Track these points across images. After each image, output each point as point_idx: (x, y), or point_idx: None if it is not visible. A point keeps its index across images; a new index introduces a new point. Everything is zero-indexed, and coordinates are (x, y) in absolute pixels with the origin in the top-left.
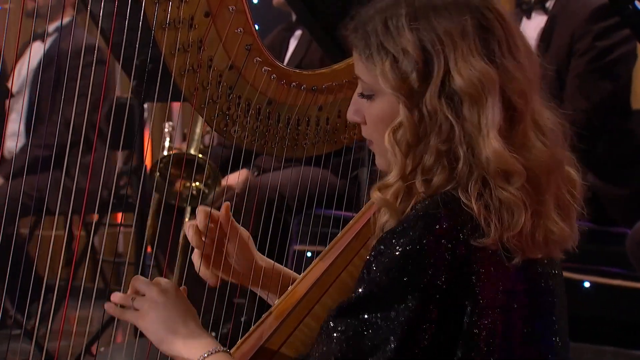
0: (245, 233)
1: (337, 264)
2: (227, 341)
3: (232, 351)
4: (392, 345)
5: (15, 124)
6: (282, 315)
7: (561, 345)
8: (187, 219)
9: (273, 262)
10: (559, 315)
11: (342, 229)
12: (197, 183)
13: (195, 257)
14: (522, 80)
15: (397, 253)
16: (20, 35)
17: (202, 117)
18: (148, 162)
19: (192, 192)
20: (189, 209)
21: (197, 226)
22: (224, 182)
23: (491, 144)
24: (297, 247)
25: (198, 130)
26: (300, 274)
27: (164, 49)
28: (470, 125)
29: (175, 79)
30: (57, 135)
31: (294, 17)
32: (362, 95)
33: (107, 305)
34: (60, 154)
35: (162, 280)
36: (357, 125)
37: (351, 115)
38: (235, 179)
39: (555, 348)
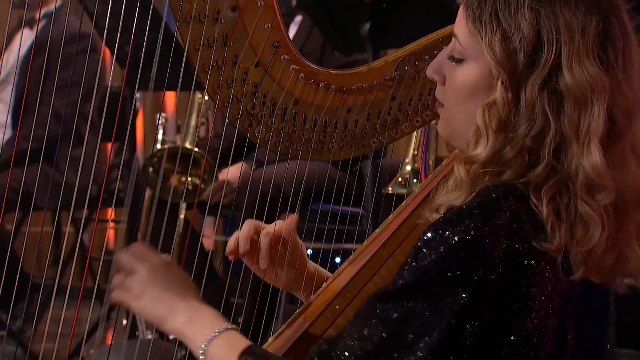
0: (299, 243)
1: (379, 256)
2: None
3: (264, 346)
4: (435, 339)
5: (2, 115)
6: (320, 308)
7: (610, 353)
8: (182, 216)
9: (316, 265)
10: (610, 320)
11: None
12: (193, 178)
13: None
14: (631, 98)
15: (450, 242)
16: (8, 23)
17: (226, 116)
18: (140, 154)
19: (187, 188)
20: (184, 205)
21: (248, 238)
22: (221, 176)
23: (591, 154)
24: None
25: (193, 122)
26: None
27: (187, 43)
28: (568, 128)
29: (199, 74)
30: (46, 127)
31: (293, 2)
32: (452, 57)
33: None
34: (49, 146)
35: (150, 254)
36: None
37: (431, 72)
38: (233, 173)
39: (607, 356)
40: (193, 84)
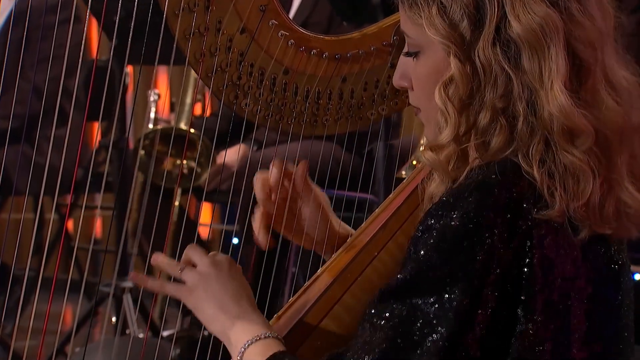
0: (321, 195)
1: (376, 241)
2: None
3: (271, 322)
4: (444, 334)
5: None
6: (314, 297)
7: (626, 346)
8: (176, 203)
9: (349, 227)
10: (626, 311)
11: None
12: (189, 161)
13: (257, 215)
14: (591, 30)
15: (449, 228)
16: None
17: (209, 88)
18: (130, 135)
19: (182, 172)
20: (178, 190)
21: (266, 179)
22: (219, 159)
23: (555, 97)
24: None
25: (189, 99)
26: (306, 266)
27: (166, 8)
28: (531, 78)
29: (179, 42)
30: (27, 105)
31: None
32: (407, 54)
33: (132, 275)
34: (29, 125)
35: (217, 255)
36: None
37: (397, 80)
38: (232, 155)
39: (623, 348)
40: (187, 57)
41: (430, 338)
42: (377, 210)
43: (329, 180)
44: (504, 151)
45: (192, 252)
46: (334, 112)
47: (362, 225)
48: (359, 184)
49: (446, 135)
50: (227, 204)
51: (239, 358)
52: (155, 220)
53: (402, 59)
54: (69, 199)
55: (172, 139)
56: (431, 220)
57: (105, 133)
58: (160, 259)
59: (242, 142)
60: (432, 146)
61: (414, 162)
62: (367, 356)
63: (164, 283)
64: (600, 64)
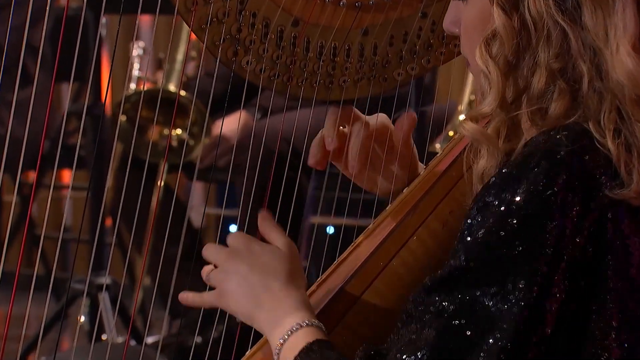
0: (411, 146)
1: (407, 224)
2: (219, 349)
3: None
4: (507, 333)
5: None
6: (329, 294)
7: None
8: (162, 181)
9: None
10: None
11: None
12: (179, 130)
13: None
14: None
15: (513, 205)
16: None
17: (203, 42)
18: (108, 99)
19: (170, 143)
20: (165, 166)
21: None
22: (215, 129)
23: (622, 62)
24: (317, 220)
25: (180, 56)
26: (321, 257)
27: None
28: (593, 37)
29: None
30: None
31: None
32: None
33: (181, 296)
34: None
35: (231, 239)
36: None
37: (447, 24)
38: (232, 125)
39: None
40: (177, 4)
41: (490, 337)
42: (405, 191)
43: None
44: (568, 118)
45: (207, 253)
46: (353, 72)
47: (388, 208)
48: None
49: (489, 102)
50: (226, 183)
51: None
52: (138, 203)
53: (453, 2)
54: (33, 176)
55: (158, 104)
56: (489, 198)
57: (77, 96)
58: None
59: (243, 108)
60: (474, 115)
61: (451, 134)
62: (413, 356)
63: (200, 295)
64: None
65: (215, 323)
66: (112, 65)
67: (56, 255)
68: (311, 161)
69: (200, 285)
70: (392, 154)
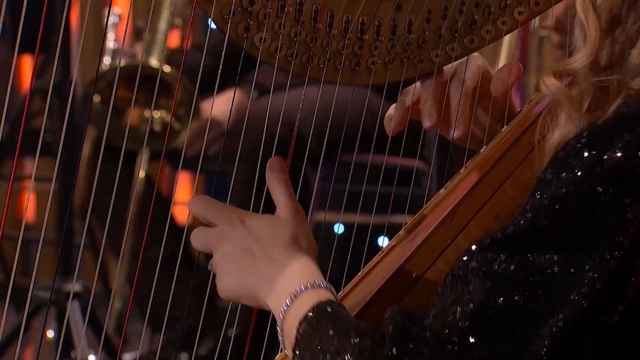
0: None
1: (447, 229)
2: None
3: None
4: (572, 310)
5: None
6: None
7: None
8: (141, 171)
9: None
10: None
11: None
12: (162, 112)
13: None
14: None
15: (597, 169)
16: None
17: (209, 16)
18: (78, 75)
19: (152, 128)
20: (146, 154)
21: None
22: (205, 110)
23: None
24: (324, 217)
25: (163, 24)
26: (327, 254)
27: None
28: None
29: None
30: None
31: None
32: None
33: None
34: None
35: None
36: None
37: None
38: (224, 106)
39: None
40: None
41: (550, 314)
42: (462, 171)
43: (363, 141)
44: None
45: (194, 240)
46: (384, 53)
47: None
48: (401, 147)
49: (581, 57)
50: (215, 174)
51: (279, 329)
52: (113, 197)
53: None
54: None
55: (137, 81)
56: (568, 158)
57: (42, 72)
58: None
59: (237, 86)
60: (558, 70)
61: None
62: (455, 314)
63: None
64: None
65: (198, 338)
66: (82, 36)
67: (16, 258)
68: (396, 120)
69: (185, 293)
70: (485, 104)
